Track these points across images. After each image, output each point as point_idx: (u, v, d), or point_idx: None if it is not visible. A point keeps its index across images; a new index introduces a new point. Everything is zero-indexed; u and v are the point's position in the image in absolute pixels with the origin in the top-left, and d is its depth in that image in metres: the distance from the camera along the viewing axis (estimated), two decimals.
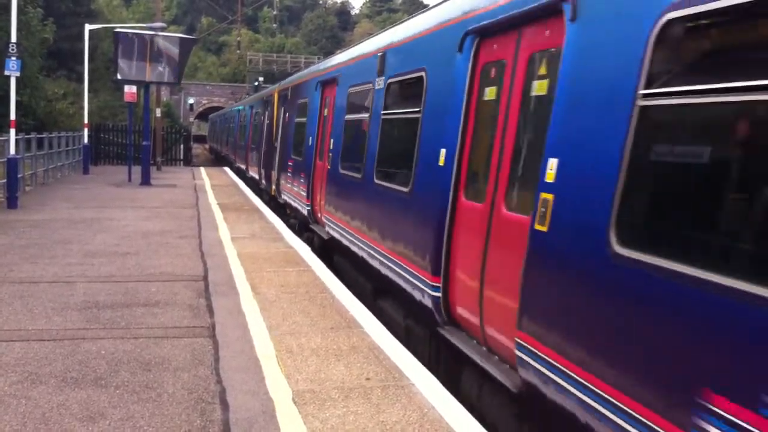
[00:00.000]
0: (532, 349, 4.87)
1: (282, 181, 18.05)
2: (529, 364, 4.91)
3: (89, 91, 31.79)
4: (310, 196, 14.01)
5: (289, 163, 16.94)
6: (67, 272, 9.84)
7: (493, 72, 6.28)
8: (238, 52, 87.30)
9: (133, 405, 5.34)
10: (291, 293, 8.93)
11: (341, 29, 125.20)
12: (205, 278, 9.68)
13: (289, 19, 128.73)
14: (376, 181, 9.22)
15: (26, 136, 21.79)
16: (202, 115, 78.35)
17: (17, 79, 17.52)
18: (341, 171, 11.28)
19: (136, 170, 25.71)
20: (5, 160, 17.45)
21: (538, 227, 4.94)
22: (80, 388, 5.64)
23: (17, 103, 17.85)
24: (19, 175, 18.05)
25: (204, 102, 77.38)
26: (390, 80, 9.27)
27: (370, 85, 10.07)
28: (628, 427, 3.90)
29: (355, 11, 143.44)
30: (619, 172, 4.20)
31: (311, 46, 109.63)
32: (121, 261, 10.71)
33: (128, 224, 14.67)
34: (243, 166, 30.12)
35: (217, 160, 53.43)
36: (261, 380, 5.87)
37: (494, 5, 6.19)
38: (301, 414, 5.19)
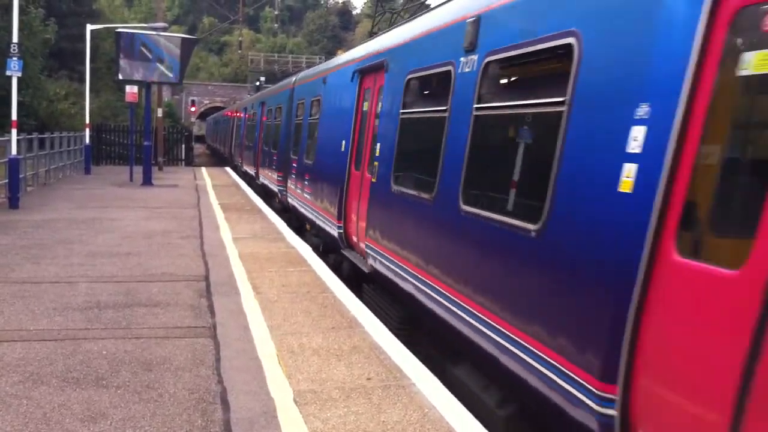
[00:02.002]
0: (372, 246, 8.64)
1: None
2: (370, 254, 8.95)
3: (91, 92, 31.80)
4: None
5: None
6: (69, 272, 9.85)
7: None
8: (239, 52, 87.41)
9: (135, 405, 5.34)
10: (292, 293, 8.93)
11: (343, 29, 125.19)
12: (207, 278, 9.69)
13: (290, 19, 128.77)
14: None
15: (28, 137, 21.78)
16: (204, 116, 78.42)
17: (19, 79, 17.53)
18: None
19: (138, 170, 25.71)
20: (7, 160, 17.46)
21: (373, 180, 9.25)
22: (81, 389, 5.65)
23: (19, 103, 17.86)
24: (20, 176, 18.06)
25: (206, 102, 77.44)
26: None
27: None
28: (400, 272, 7.85)
29: (356, 11, 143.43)
30: (394, 148, 8.64)
31: (313, 46, 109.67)
32: (122, 261, 10.72)
33: (130, 224, 14.68)
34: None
35: (215, 156, 55.51)
36: (262, 380, 5.87)
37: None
38: (302, 414, 5.19)
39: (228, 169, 35.46)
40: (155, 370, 6.09)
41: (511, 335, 5.17)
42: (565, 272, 4.62)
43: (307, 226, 14.51)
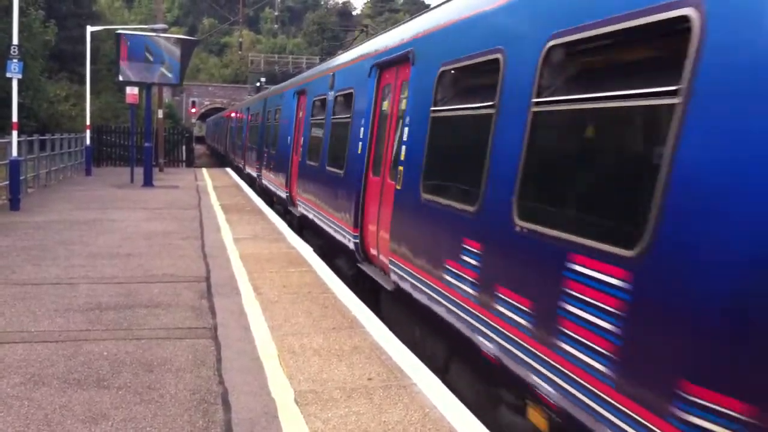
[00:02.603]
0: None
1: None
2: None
3: (91, 93, 31.81)
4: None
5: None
6: (70, 274, 9.85)
7: None
8: (239, 53, 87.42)
9: (136, 406, 5.34)
10: (293, 294, 8.93)
11: (343, 30, 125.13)
12: (208, 279, 9.69)
13: (290, 19, 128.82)
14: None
15: (28, 138, 21.80)
16: (205, 116, 78.51)
17: (19, 81, 17.54)
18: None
19: (139, 171, 25.72)
20: (8, 162, 17.48)
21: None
22: (83, 390, 5.65)
23: (19, 105, 17.88)
24: (21, 177, 18.07)
25: (206, 103, 77.51)
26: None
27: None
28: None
29: (356, 12, 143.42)
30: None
31: (312, 46, 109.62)
32: (123, 262, 10.72)
33: (130, 225, 14.69)
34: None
35: (214, 156, 56.80)
36: (263, 381, 5.87)
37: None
38: (303, 414, 5.19)
39: (229, 170, 35.48)
40: (156, 371, 6.09)
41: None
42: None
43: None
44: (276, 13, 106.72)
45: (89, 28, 30.45)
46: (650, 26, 3.99)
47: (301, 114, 16.35)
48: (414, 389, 5.78)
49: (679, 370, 3.47)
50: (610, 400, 3.94)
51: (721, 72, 3.51)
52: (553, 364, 4.52)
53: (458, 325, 6.14)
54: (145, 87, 26.07)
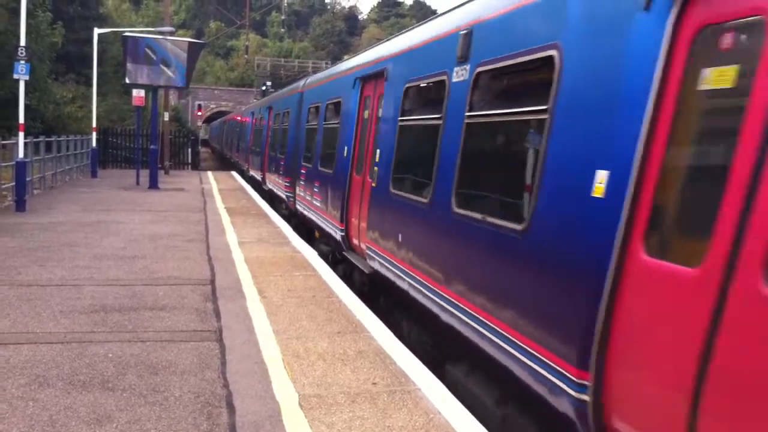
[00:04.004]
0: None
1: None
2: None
3: (98, 95, 31.94)
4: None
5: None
6: (75, 275, 9.87)
7: None
8: (245, 56, 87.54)
9: (140, 408, 5.35)
10: (298, 297, 8.93)
11: (349, 34, 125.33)
12: (212, 282, 9.70)
13: (297, 23, 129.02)
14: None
15: (35, 140, 21.89)
16: (210, 120, 78.68)
17: (26, 82, 17.60)
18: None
19: (144, 174, 25.78)
20: (14, 163, 17.53)
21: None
22: (87, 391, 5.66)
23: (26, 106, 17.92)
24: (27, 179, 18.14)
25: (212, 106, 77.65)
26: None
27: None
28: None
29: (363, 16, 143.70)
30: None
31: (319, 50, 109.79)
32: (128, 264, 10.74)
33: (136, 228, 14.71)
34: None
35: (219, 160, 57.09)
36: (267, 384, 5.87)
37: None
38: (307, 418, 5.19)
39: (234, 173, 35.52)
40: (161, 374, 6.10)
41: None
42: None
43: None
44: (282, 17, 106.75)
45: (96, 31, 30.57)
46: (528, 63, 5.63)
47: (300, 119, 17.51)
48: (418, 394, 5.77)
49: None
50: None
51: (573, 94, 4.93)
52: (458, 303, 6.35)
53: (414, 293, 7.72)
54: (151, 90, 26.15)
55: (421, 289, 7.33)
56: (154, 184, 24.68)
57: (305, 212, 15.45)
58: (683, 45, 3.95)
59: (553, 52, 5.17)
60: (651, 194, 3.98)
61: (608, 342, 4.17)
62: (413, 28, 9.88)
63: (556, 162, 4.96)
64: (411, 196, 8.05)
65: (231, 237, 13.72)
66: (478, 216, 6.07)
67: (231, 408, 5.37)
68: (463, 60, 6.86)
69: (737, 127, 3.50)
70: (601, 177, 4.34)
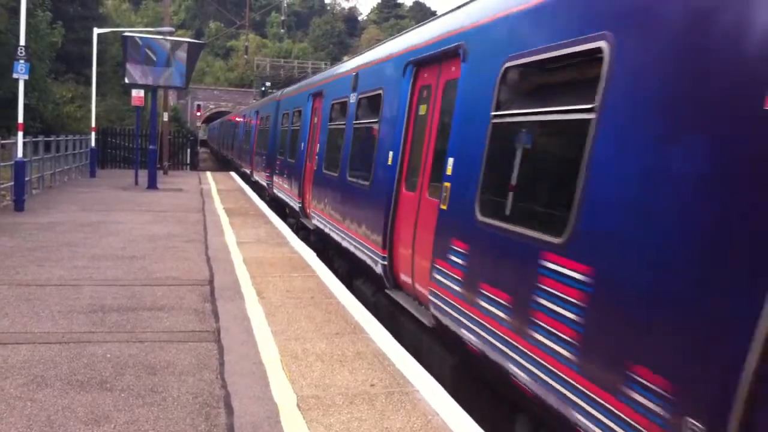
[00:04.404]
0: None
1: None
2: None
3: (97, 95, 31.92)
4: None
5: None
6: (74, 275, 9.87)
7: None
8: (245, 57, 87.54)
9: (138, 409, 5.35)
10: (296, 298, 8.94)
11: (349, 35, 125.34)
12: (211, 283, 9.70)
13: (296, 24, 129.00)
14: None
15: (34, 140, 21.87)
16: (210, 120, 78.69)
17: (25, 82, 17.58)
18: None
19: (143, 174, 25.77)
20: (13, 163, 17.52)
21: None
22: (85, 392, 5.66)
23: (25, 106, 17.91)
24: (26, 178, 18.12)
25: (211, 106, 77.63)
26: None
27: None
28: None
29: (362, 17, 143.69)
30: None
31: (318, 51, 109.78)
32: (127, 264, 10.74)
33: (134, 228, 14.71)
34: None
35: (218, 161, 57.74)
36: (266, 385, 5.88)
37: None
38: (305, 419, 5.20)
39: (233, 173, 35.52)
40: (159, 374, 6.10)
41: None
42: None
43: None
44: (282, 18, 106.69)
45: (96, 30, 30.55)
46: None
47: (277, 122, 21.31)
48: (416, 396, 5.77)
49: None
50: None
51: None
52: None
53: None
54: (150, 90, 26.14)
55: (333, 230, 11.84)
56: (152, 185, 24.67)
57: (279, 194, 19.80)
58: (415, 94, 8.58)
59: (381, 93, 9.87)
60: (406, 163, 8.56)
61: (393, 232, 8.61)
62: (333, 67, 14.32)
63: (381, 149, 9.33)
64: (330, 173, 12.30)
65: (230, 237, 13.72)
66: (359, 181, 10.24)
67: (229, 409, 5.37)
68: (353, 90, 11.64)
69: (426, 132, 7.95)
70: (390, 155, 8.80)
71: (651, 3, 4.20)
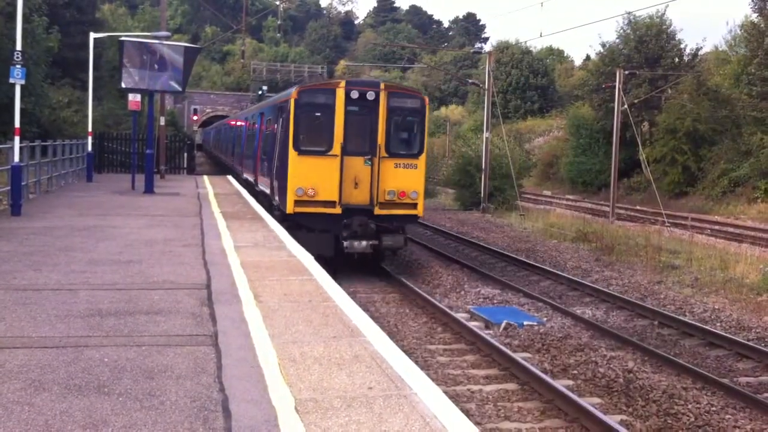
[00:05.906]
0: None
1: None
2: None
3: (93, 99, 31.90)
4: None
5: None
6: (71, 279, 9.86)
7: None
8: (242, 61, 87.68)
9: (136, 413, 5.34)
10: (294, 302, 8.93)
11: (345, 39, 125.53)
12: (208, 286, 9.70)
13: (293, 28, 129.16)
14: None
15: (30, 144, 21.83)
16: (206, 124, 78.76)
17: (22, 87, 17.55)
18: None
19: (140, 178, 25.76)
20: (9, 167, 17.50)
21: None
22: (83, 396, 5.65)
23: (22, 111, 17.89)
24: (23, 183, 18.10)
25: (208, 111, 77.72)
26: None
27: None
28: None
29: (358, 21, 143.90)
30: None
31: (315, 55, 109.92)
32: (124, 269, 10.73)
33: (131, 232, 14.70)
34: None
35: (213, 164, 58.95)
36: (263, 389, 5.87)
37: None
38: (303, 423, 5.19)
39: (230, 177, 35.54)
40: (157, 378, 6.09)
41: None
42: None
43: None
44: (278, 22, 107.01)
45: (92, 35, 30.53)
46: None
47: (252, 129, 31.06)
48: (414, 399, 5.77)
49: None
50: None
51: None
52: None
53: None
54: (147, 94, 26.14)
55: (249, 178, 26.03)
56: (149, 189, 24.64)
57: (248, 177, 28.73)
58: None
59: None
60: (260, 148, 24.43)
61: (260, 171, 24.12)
62: (254, 105, 29.36)
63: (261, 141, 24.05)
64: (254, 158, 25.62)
65: (227, 241, 13.71)
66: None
67: (227, 412, 5.37)
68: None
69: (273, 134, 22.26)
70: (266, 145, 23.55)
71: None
